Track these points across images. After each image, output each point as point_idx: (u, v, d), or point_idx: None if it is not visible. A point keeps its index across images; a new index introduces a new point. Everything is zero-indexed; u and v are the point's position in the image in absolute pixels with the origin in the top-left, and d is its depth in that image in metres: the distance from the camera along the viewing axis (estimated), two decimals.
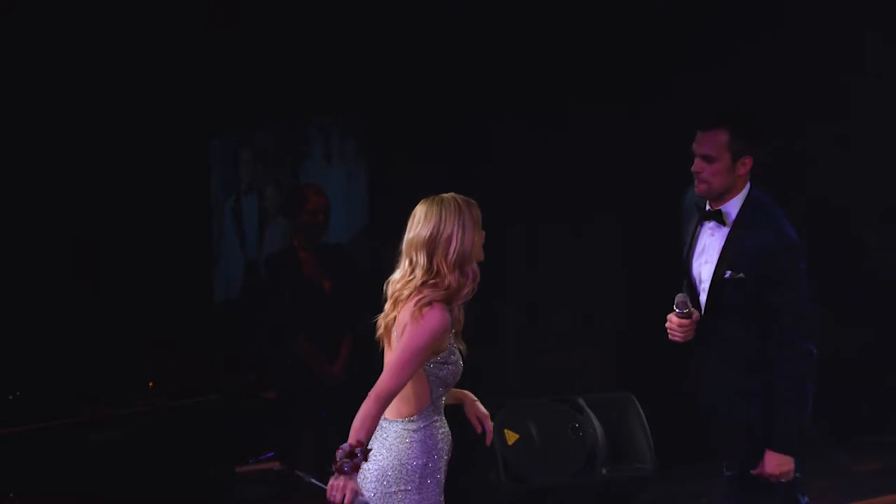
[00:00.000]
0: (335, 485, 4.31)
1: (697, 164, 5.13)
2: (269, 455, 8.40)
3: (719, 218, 5.12)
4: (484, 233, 4.58)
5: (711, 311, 5.16)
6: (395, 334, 4.51)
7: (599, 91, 8.71)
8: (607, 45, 8.76)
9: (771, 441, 5.05)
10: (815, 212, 9.14)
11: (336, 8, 8.73)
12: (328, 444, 7.57)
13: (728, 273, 5.05)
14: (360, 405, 4.47)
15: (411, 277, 4.47)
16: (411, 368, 4.41)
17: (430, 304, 4.43)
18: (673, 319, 5.17)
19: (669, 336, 5.23)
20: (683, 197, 5.45)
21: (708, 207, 5.18)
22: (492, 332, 8.83)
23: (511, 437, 7.59)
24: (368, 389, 4.58)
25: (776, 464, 5.04)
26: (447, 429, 4.61)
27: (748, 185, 5.14)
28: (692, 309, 5.15)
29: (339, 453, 4.34)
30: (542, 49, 8.74)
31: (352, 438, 4.35)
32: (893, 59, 8.80)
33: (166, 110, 9.07)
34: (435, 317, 4.43)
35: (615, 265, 9.07)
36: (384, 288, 4.61)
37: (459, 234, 4.47)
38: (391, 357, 4.48)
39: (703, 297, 5.19)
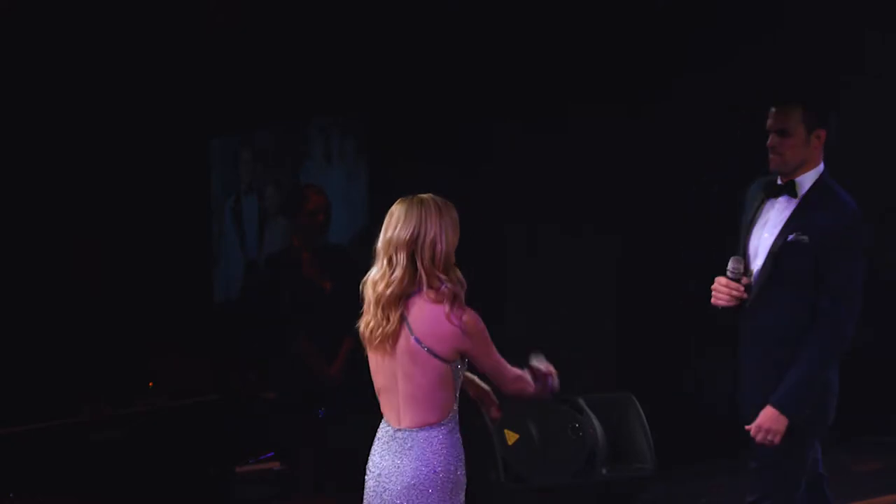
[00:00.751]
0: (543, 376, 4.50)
1: (773, 139, 5.20)
2: (269, 455, 8.40)
3: (791, 190, 5.17)
4: (459, 233, 4.54)
5: (765, 281, 5.15)
6: (412, 345, 4.38)
7: (599, 91, 8.70)
8: (607, 45, 8.75)
9: (774, 397, 5.04)
10: None
11: (336, 8, 8.73)
12: (328, 445, 7.60)
13: (791, 236, 5.08)
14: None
15: (393, 278, 4.39)
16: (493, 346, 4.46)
17: (462, 308, 4.39)
18: (720, 280, 5.20)
19: (713, 299, 5.23)
20: (745, 190, 5.47)
21: (780, 183, 5.22)
22: (491, 332, 8.83)
23: (511, 437, 7.59)
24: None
25: (767, 417, 5.04)
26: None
27: (822, 163, 5.22)
28: (743, 275, 5.17)
29: (538, 379, 4.52)
30: (542, 49, 8.74)
31: (529, 379, 4.50)
32: (893, 59, 8.80)
33: (166, 110, 9.08)
34: (474, 313, 4.41)
35: (615, 265, 9.07)
36: (360, 288, 4.51)
37: (442, 236, 4.41)
38: (490, 362, 4.44)
39: (756, 270, 5.20)
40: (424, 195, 4.50)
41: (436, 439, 4.41)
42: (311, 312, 7.64)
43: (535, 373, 4.56)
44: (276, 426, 8.09)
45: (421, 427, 4.41)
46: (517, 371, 4.51)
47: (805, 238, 5.06)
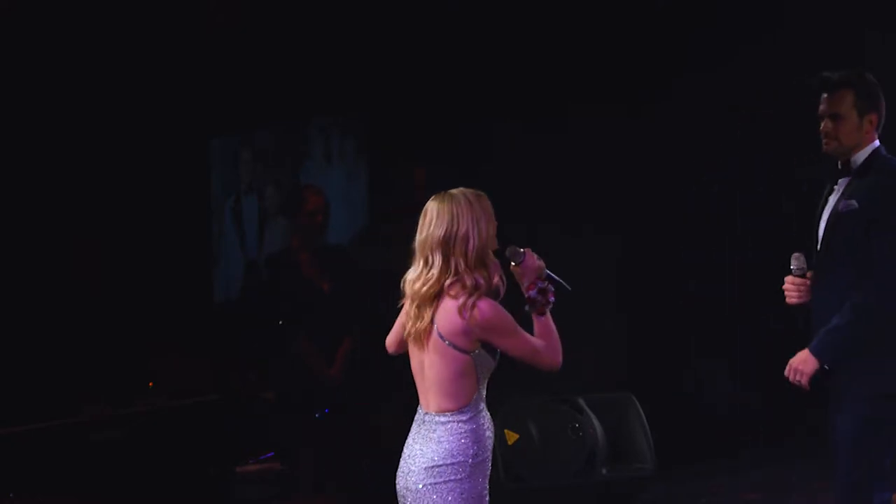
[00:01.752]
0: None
1: (826, 124, 5.27)
2: (269, 455, 8.40)
3: (847, 170, 5.24)
4: (496, 222, 4.61)
5: (824, 253, 5.20)
6: (439, 341, 4.51)
7: (599, 91, 8.71)
8: (607, 46, 8.76)
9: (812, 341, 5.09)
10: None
11: (336, 8, 8.73)
12: (328, 445, 7.60)
13: (843, 205, 5.14)
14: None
15: (429, 277, 4.50)
16: (522, 333, 4.55)
17: (474, 304, 4.47)
18: (788, 279, 5.27)
19: (786, 298, 5.28)
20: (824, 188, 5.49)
21: (840, 166, 5.27)
22: None
23: (511, 437, 7.59)
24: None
25: (800, 359, 5.09)
26: (489, 417, 4.63)
27: (876, 142, 5.26)
28: (805, 268, 5.22)
29: (534, 296, 4.57)
30: (542, 49, 8.74)
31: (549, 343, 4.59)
32: (894, 60, 8.80)
33: (166, 110, 9.08)
34: (488, 306, 4.49)
35: (615, 265, 9.07)
36: (401, 286, 4.62)
37: (475, 231, 4.51)
38: (517, 353, 4.53)
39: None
40: (455, 190, 4.58)
41: (456, 425, 4.53)
42: (310, 313, 7.64)
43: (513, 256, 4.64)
44: (276, 426, 8.10)
45: (443, 412, 4.54)
46: (538, 342, 4.58)
47: (853, 202, 5.12)
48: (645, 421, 7.83)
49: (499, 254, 4.60)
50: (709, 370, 9.02)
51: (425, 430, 4.57)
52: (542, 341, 4.58)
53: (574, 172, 8.79)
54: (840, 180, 5.26)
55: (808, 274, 5.25)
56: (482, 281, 4.49)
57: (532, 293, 4.62)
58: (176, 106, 9.09)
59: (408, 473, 4.56)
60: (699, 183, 8.97)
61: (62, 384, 8.69)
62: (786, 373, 5.13)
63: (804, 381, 5.09)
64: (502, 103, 8.71)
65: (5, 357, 8.54)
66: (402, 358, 4.58)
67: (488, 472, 4.59)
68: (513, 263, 4.64)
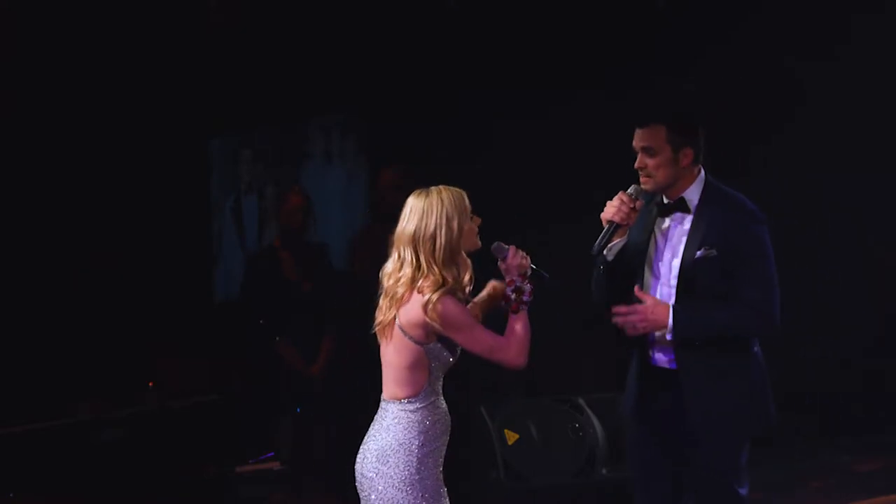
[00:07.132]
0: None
1: (641, 160, 5.11)
2: (269, 455, 8.41)
3: (682, 206, 5.08)
4: (478, 219, 4.63)
5: (683, 298, 5.01)
6: (397, 330, 4.58)
7: (599, 90, 8.71)
8: (608, 45, 8.76)
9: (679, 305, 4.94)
10: (814, 210, 9.15)
11: (336, 8, 8.74)
12: (317, 444, 7.60)
13: (700, 252, 4.98)
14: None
15: (401, 274, 4.57)
16: (478, 330, 4.56)
17: (438, 300, 4.50)
18: (619, 194, 5.11)
19: (605, 212, 5.13)
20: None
21: (666, 201, 5.12)
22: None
23: (511, 437, 7.59)
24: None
25: (652, 308, 4.95)
26: (445, 409, 4.67)
27: (702, 173, 5.11)
28: (640, 198, 5.07)
29: (508, 294, 4.60)
30: (543, 48, 8.75)
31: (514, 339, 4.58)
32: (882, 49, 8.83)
33: (166, 110, 9.08)
34: (445, 302, 4.50)
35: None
36: (380, 277, 4.67)
37: (443, 229, 4.54)
38: (476, 347, 4.55)
39: (671, 287, 5.05)
40: (434, 187, 4.62)
41: (405, 412, 4.60)
42: (290, 311, 7.65)
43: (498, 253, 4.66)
44: (275, 426, 8.10)
45: (393, 400, 4.63)
46: (495, 340, 4.59)
47: (713, 252, 4.96)
48: None
49: (485, 251, 4.64)
50: None
51: (379, 416, 4.65)
52: (505, 339, 4.59)
53: (574, 170, 8.80)
54: (675, 216, 5.07)
55: (638, 203, 5.07)
56: (450, 279, 4.53)
57: (508, 290, 4.63)
58: (175, 106, 9.09)
59: (363, 459, 4.63)
60: None
61: (62, 384, 8.70)
62: (627, 312, 4.97)
63: (639, 332, 4.97)
64: (502, 103, 8.71)
65: (4, 357, 8.54)
66: None
67: (440, 466, 4.62)
68: (499, 260, 4.66)
